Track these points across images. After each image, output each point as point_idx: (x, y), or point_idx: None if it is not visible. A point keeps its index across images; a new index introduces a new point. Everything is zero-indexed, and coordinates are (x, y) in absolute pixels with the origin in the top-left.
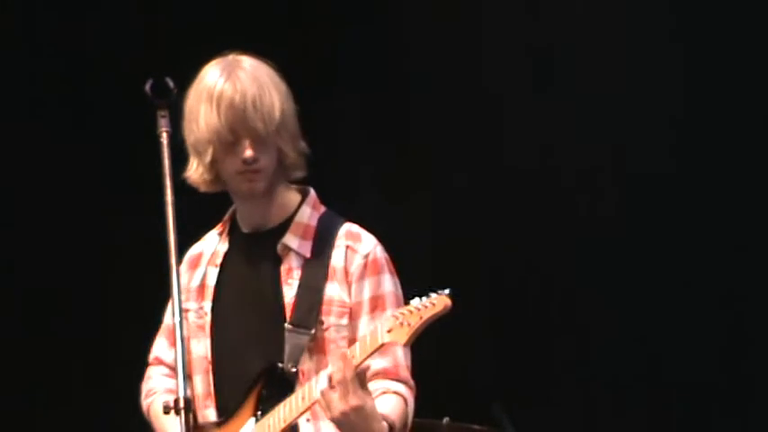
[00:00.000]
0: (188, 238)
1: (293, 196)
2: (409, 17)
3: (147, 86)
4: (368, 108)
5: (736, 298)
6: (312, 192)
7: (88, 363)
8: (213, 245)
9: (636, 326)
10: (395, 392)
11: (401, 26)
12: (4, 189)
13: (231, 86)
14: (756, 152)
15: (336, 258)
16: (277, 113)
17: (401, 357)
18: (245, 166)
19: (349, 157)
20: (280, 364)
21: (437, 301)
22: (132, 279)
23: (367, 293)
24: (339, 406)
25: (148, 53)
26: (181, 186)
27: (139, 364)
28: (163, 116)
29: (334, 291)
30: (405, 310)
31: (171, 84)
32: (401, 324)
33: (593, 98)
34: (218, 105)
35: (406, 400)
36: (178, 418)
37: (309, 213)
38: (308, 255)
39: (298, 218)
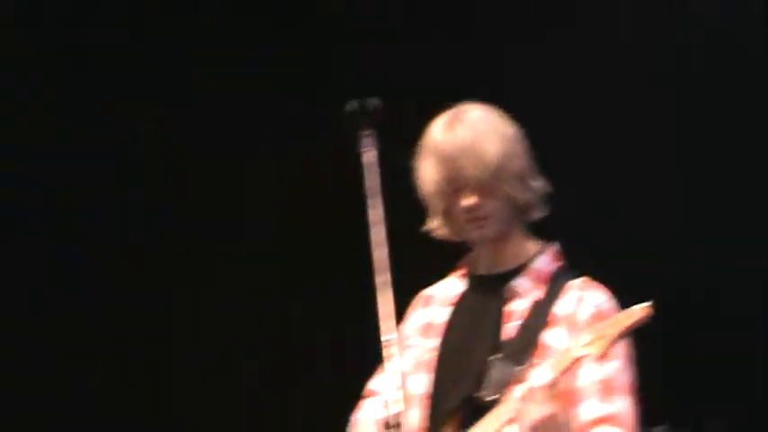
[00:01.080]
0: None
1: (533, 246)
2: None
3: (350, 107)
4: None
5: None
6: (556, 246)
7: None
8: (448, 287)
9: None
10: None
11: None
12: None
13: (446, 139)
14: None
15: (563, 306)
16: (493, 159)
17: (627, 406)
18: (469, 215)
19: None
20: (476, 394)
21: (636, 311)
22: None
23: None
24: (532, 415)
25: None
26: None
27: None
28: (366, 135)
29: (553, 337)
30: (603, 324)
31: (376, 103)
32: (598, 337)
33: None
34: (435, 158)
35: None
36: None
37: (547, 262)
38: (534, 298)
39: (533, 264)
